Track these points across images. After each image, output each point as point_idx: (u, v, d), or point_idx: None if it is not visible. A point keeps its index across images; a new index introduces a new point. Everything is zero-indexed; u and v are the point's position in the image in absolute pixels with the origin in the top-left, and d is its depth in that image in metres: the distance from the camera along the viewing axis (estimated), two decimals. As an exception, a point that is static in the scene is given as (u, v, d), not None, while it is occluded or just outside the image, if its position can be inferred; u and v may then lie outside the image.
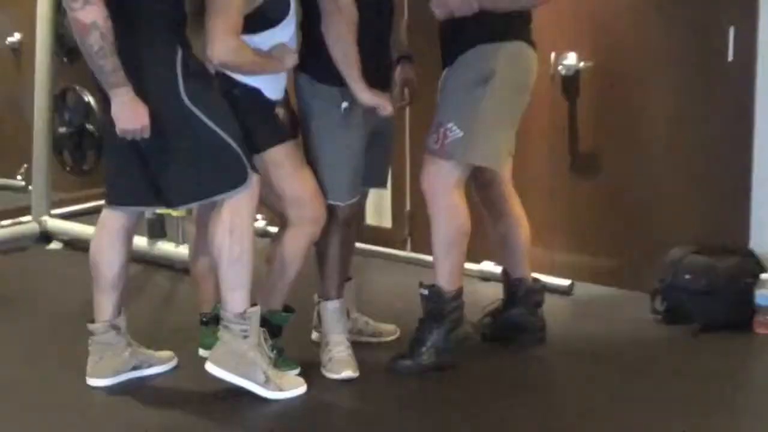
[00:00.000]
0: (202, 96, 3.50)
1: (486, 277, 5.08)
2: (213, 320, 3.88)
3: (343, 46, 3.66)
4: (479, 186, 4.13)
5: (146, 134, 3.45)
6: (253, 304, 3.69)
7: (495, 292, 4.39)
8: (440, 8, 3.78)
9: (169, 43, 3.48)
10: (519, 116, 3.95)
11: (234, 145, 3.55)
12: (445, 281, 3.93)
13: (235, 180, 3.57)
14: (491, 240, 4.29)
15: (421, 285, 3.97)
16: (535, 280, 4.29)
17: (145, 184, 3.65)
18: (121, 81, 3.40)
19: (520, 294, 4.23)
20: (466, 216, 3.89)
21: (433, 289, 3.94)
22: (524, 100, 3.94)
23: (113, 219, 3.81)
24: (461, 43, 3.84)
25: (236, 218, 3.60)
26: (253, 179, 3.60)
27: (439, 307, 3.93)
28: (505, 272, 4.30)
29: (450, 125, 3.82)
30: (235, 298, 3.65)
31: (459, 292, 3.96)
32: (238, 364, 3.66)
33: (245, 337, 3.66)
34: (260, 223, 6.04)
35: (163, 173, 3.59)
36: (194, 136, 3.52)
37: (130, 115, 3.42)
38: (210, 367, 3.68)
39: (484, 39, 3.80)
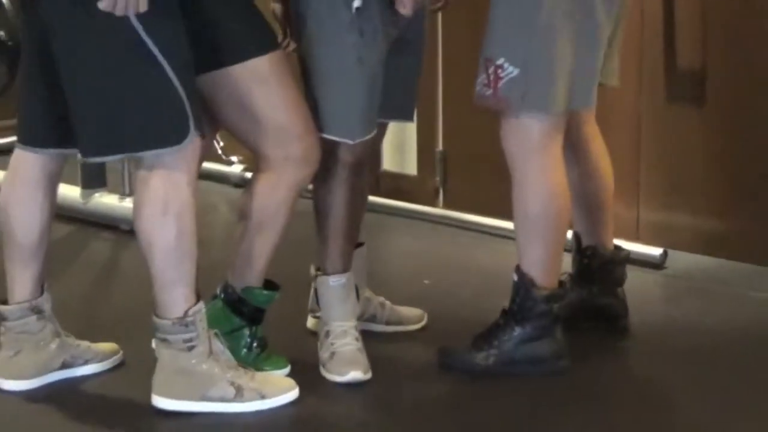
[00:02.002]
0: (155, 12, 3.43)
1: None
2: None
3: None
4: None
5: (143, 6, 3.36)
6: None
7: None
8: None
9: None
10: (603, 29, 3.86)
11: (180, 87, 3.51)
12: (535, 272, 3.92)
13: (169, 134, 3.53)
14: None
15: (516, 269, 3.96)
16: (618, 249, 4.30)
17: (56, 121, 3.67)
18: None
19: (593, 267, 4.22)
20: (561, 188, 3.90)
21: (525, 279, 3.93)
22: (606, 7, 3.84)
23: (30, 162, 3.81)
24: None
25: (171, 190, 3.58)
26: (195, 142, 3.57)
27: (526, 303, 3.94)
28: (576, 237, 4.29)
29: (501, 61, 3.80)
30: (174, 298, 3.63)
31: (558, 294, 3.96)
32: (193, 385, 3.67)
33: (191, 348, 3.66)
34: (236, 168, 6.16)
35: (76, 107, 3.57)
36: (128, 63, 3.49)
37: None
38: (158, 402, 3.68)
39: None
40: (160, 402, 3.67)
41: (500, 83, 3.79)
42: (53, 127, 3.70)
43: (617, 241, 4.35)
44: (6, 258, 3.84)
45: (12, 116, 3.98)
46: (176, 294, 3.62)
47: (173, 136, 3.53)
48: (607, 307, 4.24)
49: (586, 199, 4.19)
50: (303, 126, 3.77)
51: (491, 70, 3.81)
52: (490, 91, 3.82)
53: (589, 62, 3.87)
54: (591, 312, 4.24)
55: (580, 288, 4.23)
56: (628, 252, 4.42)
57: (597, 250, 4.22)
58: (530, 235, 3.92)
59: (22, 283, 3.82)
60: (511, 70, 3.78)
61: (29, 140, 3.79)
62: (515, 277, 3.94)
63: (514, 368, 3.93)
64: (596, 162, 4.18)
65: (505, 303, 3.98)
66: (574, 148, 4.15)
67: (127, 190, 5.35)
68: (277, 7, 3.96)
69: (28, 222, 3.80)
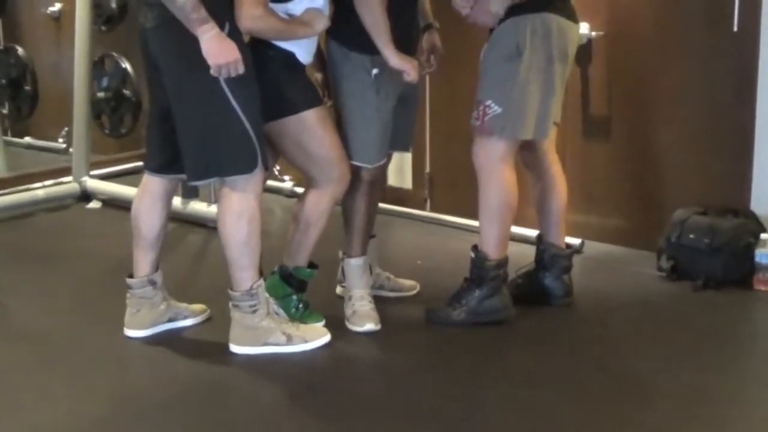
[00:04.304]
0: (237, 78, 3.41)
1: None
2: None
3: (372, 12, 3.62)
4: (522, 147, 4.01)
5: (240, 69, 3.36)
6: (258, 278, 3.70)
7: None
8: (473, 22, 3.78)
9: (218, 15, 3.36)
10: (559, 85, 3.86)
11: (251, 132, 3.50)
12: (489, 249, 3.91)
13: (243, 165, 3.53)
14: (533, 199, 4.21)
15: (473, 248, 3.95)
16: (568, 246, 4.23)
17: (171, 156, 3.66)
18: (205, 18, 3.30)
19: (546, 259, 4.17)
20: (513, 189, 3.86)
21: (479, 254, 3.92)
22: (562, 69, 3.84)
23: (154, 183, 3.81)
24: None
25: (243, 203, 3.58)
26: (260, 170, 3.57)
27: (481, 272, 3.92)
28: (539, 237, 4.22)
29: (489, 102, 3.79)
30: (244, 277, 3.65)
31: (502, 262, 3.94)
32: (256, 336, 3.68)
33: (255, 311, 3.67)
34: (288, 184, 6.10)
35: (183, 145, 3.57)
36: (217, 113, 3.47)
37: (221, 49, 3.33)
38: (234, 348, 3.70)
39: (515, 12, 3.72)
40: (235, 348, 3.70)
41: (486, 118, 3.78)
42: (170, 159, 3.69)
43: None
44: (134, 246, 3.84)
45: (136, 148, 3.98)
46: (245, 274, 3.64)
47: (246, 167, 3.54)
48: (555, 289, 4.17)
49: (546, 209, 4.14)
50: (339, 157, 3.76)
51: (481, 108, 3.80)
52: (479, 123, 3.81)
53: (548, 105, 3.84)
54: (544, 291, 4.17)
55: (539, 273, 4.19)
56: (574, 249, 4.40)
57: (549, 246, 4.16)
58: (490, 221, 3.89)
59: (144, 263, 3.84)
60: (495, 109, 3.77)
61: (154, 168, 3.79)
62: (472, 254, 3.94)
63: (478, 318, 3.92)
64: (554, 182, 4.11)
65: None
66: (538, 171, 4.13)
67: (212, 200, 5.30)
68: (319, 76, 3.96)
69: (151, 224, 3.79)
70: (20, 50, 7.33)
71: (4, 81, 7.26)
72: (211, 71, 3.35)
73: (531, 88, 3.78)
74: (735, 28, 4.46)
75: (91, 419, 3.23)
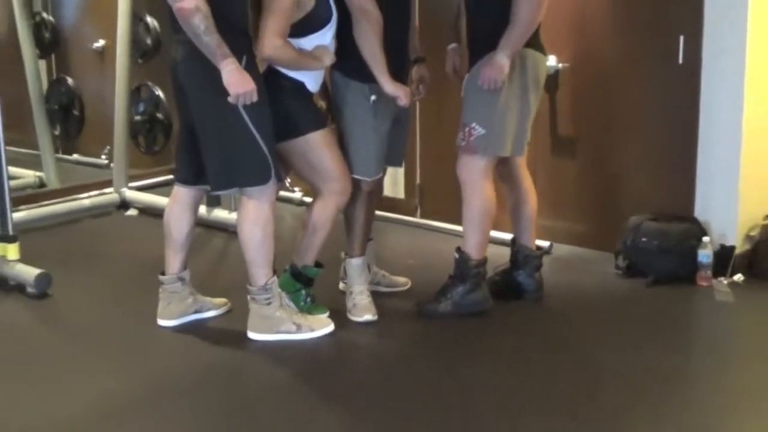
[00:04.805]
0: (252, 103, 3.40)
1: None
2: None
3: (370, 46, 3.63)
4: (499, 163, 4.01)
5: (254, 98, 3.35)
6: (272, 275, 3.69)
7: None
8: (486, 84, 3.72)
9: (237, 50, 3.37)
10: (532, 110, 3.87)
11: (265, 149, 3.50)
12: (471, 250, 3.91)
13: (259, 177, 3.53)
14: (507, 208, 4.20)
15: (457, 249, 3.95)
16: (538, 247, 4.23)
17: (197, 169, 3.67)
18: (227, 53, 3.30)
19: (520, 258, 4.16)
20: (492, 199, 3.87)
21: (462, 254, 3.92)
22: (535, 96, 3.86)
23: (183, 193, 3.82)
24: (482, 52, 3.77)
25: (258, 210, 3.57)
26: (274, 182, 3.56)
27: (464, 270, 3.91)
28: (513, 240, 4.22)
29: (474, 125, 3.79)
30: (260, 274, 3.65)
31: (482, 262, 3.93)
32: (270, 325, 3.68)
33: (269, 303, 3.66)
34: (298, 195, 6.05)
35: (207, 160, 3.57)
36: (236, 133, 3.47)
37: (239, 81, 3.32)
38: (251, 335, 3.70)
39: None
40: (252, 335, 3.71)
41: (471, 138, 3.78)
42: (196, 172, 3.71)
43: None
44: (166, 248, 3.84)
45: (167, 163, 3.96)
46: (260, 272, 3.65)
47: (260, 179, 3.54)
48: (528, 285, 4.16)
49: (519, 216, 4.15)
50: (341, 172, 3.75)
51: (466, 130, 3.80)
52: (464, 143, 3.81)
53: (524, 127, 3.86)
54: (519, 287, 4.16)
55: (513, 271, 4.18)
56: (544, 250, 4.41)
57: (522, 248, 4.16)
58: (472, 227, 3.89)
59: (174, 262, 3.85)
60: (479, 130, 3.77)
61: (182, 180, 3.80)
62: (456, 255, 3.94)
63: (461, 310, 3.92)
64: (526, 192, 4.12)
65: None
66: (512, 183, 4.13)
67: (233, 208, 5.28)
68: (323, 103, 3.92)
69: (180, 228, 3.80)
70: (70, 80, 7.36)
71: (56, 106, 7.29)
72: (230, 99, 3.36)
73: (510, 113, 3.79)
74: (680, 61, 4.49)
75: (127, 397, 3.24)
